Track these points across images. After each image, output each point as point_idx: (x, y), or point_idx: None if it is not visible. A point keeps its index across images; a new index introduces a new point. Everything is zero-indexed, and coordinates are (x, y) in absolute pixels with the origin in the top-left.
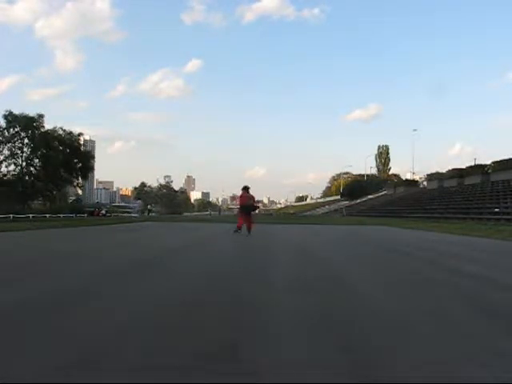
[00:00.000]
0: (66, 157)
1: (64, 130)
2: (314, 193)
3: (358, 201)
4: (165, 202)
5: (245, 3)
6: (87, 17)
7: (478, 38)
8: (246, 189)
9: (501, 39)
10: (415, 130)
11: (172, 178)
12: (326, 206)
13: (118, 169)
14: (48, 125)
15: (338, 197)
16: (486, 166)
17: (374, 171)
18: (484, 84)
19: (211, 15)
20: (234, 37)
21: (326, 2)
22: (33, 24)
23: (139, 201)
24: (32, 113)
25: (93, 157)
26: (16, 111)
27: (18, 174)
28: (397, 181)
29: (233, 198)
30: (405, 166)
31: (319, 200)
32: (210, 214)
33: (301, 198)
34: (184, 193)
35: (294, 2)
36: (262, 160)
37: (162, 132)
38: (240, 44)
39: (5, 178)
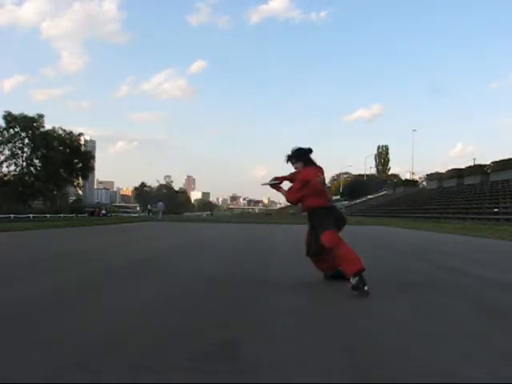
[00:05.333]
0: (66, 157)
1: (64, 130)
2: None
3: (358, 201)
4: (165, 202)
5: (251, 5)
6: (94, 18)
7: (479, 40)
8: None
9: (502, 41)
10: (415, 130)
11: (172, 178)
12: None
13: (119, 169)
14: (50, 125)
15: (338, 197)
16: (485, 166)
17: (374, 171)
18: (484, 85)
19: (217, 17)
20: (239, 38)
21: (330, 5)
22: (39, 25)
23: (161, 202)
24: (32, 113)
25: (93, 157)
26: (21, 111)
27: (19, 174)
28: (396, 181)
29: (233, 197)
30: (405, 166)
31: None
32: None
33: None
34: (184, 193)
35: (299, 5)
36: (262, 160)
37: (163, 132)
38: (244, 45)
39: (5, 178)
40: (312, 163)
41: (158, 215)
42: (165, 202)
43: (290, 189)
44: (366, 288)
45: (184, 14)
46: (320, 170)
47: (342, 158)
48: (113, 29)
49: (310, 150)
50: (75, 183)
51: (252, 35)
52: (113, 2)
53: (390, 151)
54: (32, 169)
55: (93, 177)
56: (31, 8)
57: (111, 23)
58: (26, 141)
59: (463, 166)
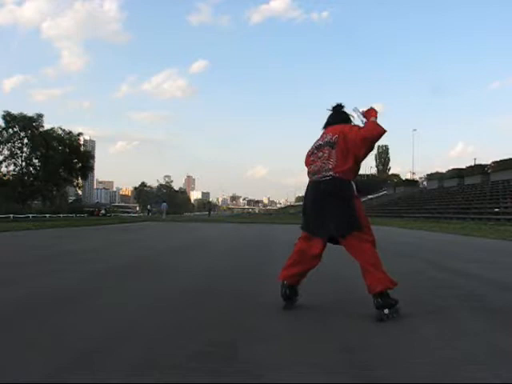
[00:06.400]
0: (66, 157)
1: (63, 130)
2: None
3: None
4: (160, 202)
5: (252, 5)
6: (95, 18)
7: (479, 40)
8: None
9: (503, 40)
10: (415, 129)
11: (172, 178)
12: None
13: (118, 169)
14: (50, 125)
15: None
16: (485, 166)
17: (374, 171)
18: (485, 84)
19: (218, 17)
20: (239, 38)
21: (332, 5)
22: (40, 25)
23: (164, 203)
24: (32, 113)
25: (92, 157)
26: (21, 111)
27: (18, 173)
28: (397, 181)
29: (233, 197)
30: (405, 166)
31: None
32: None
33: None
34: (184, 193)
35: (301, 5)
36: (262, 160)
37: (163, 132)
38: (245, 45)
39: (4, 178)
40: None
41: (161, 215)
42: (167, 203)
43: None
44: (293, 300)
45: (185, 14)
46: (329, 130)
47: None
48: (113, 29)
49: (332, 113)
50: (74, 183)
51: (253, 35)
52: (114, 1)
53: (390, 151)
54: (31, 169)
55: (92, 177)
56: (32, 8)
57: (112, 23)
58: (26, 141)
59: (464, 166)
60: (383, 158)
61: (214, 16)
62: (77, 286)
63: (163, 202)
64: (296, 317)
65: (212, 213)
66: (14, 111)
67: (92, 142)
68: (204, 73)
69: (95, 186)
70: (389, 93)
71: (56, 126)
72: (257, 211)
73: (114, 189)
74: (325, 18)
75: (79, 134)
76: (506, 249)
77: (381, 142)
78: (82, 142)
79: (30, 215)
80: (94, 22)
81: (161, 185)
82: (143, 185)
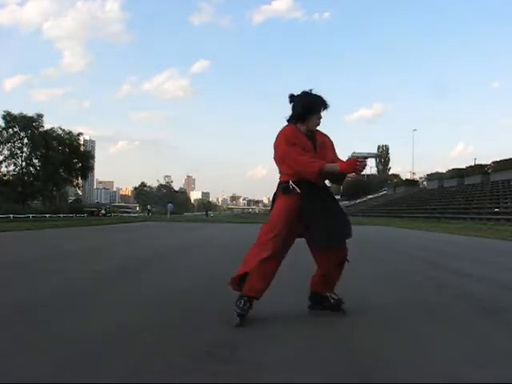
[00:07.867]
0: (66, 157)
1: (63, 130)
2: None
3: (358, 201)
4: (165, 202)
5: (253, 6)
6: (96, 18)
7: (480, 39)
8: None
9: (504, 40)
10: (415, 129)
11: (172, 178)
12: None
13: (118, 169)
14: (51, 124)
15: (338, 196)
16: (486, 165)
17: (374, 171)
18: (486, 84)
19: (219, 17)
20: (241, 38)
21: (333, 6)
22: (42, 25)
23: (170, 204)
24: (32, 112)
25: (92, 157)
26: (21, 110)
27: (18, 173)
28: (397, 181)
29: (233, 197)
30: (405, 166)
31: None
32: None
33: None
34: (184, 193)
35: (303, 6)
36: (262, 160)
37: (164, 132)
38: (246, 45)
39: (5, 178)
40: None
41: (167, 215)
42: (174, 204)
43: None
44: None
45: (187, 14)
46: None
47: (341, 157)
48: (115, 29)
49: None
50: (74, 183)
51: (254, 35)
52: (116, 1)
53: (390, 151)
54: (31, 169)
55: (92, 177)
56: (34, 8)
57: (114, 23)
58: (26, 140)
59: (464, 166)
60: (383, 158)
61: (216, 16)
62: (76, 286)
63: (169, 202)
64: (296, 317)
65: (210, 213)
66: (15, 111)
67: (92, 142)
68: (205, 73)
69: (95, 186)
70: (389, 93)
71: (56, 126)
72: (257, 211)
73: (114, 189)
74: (326, 18)
75: (79, 134)
76: (506, 249)
77: (381, 142)
78: (81, 142)
79: (30, 215)
80: (95, 22)
81: (161, 185)
82: (143, 185)
